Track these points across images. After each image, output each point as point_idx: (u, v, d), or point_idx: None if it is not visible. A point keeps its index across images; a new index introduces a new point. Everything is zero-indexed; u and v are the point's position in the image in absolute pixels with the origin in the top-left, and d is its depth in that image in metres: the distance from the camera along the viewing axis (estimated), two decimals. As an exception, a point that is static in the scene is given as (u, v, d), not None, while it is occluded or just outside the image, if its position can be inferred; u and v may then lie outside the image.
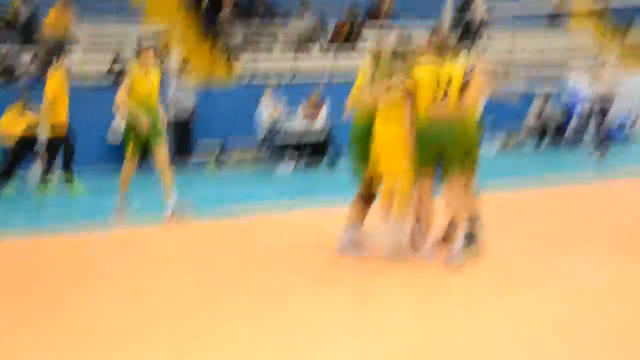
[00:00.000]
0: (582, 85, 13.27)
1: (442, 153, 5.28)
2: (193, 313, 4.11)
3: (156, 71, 7.18)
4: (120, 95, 6.85)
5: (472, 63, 5.50)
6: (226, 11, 13.51)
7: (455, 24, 13.65)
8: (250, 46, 13.51)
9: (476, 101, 5.48)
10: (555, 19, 16.08)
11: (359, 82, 5.66)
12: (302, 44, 13.64)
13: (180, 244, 6.22)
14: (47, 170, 9.11)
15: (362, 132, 5.57)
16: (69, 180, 8.94)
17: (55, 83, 8.86)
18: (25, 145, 9.30)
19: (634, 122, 14.42)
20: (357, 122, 5.68)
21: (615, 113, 13.01)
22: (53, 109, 8.85)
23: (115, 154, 10.08)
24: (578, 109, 13.38)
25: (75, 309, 4.22)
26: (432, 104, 5.27)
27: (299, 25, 13.90)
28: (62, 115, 8.97)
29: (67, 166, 9.11)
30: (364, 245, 5.64)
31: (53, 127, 8.91)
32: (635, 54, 16.06)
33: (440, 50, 5.37)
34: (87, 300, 4.37)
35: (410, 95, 5.32)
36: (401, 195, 5.45)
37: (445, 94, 5.26)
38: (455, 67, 5.35)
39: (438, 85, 5.27)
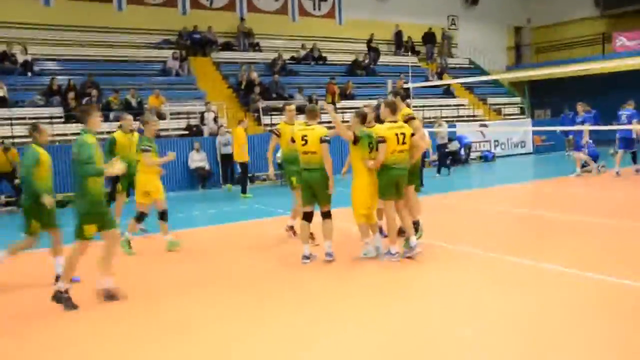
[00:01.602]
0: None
1: (397, 183, 5.96)
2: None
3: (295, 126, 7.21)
4: (269, 152, 7.77)
5: (411, 120, 6.05)
6: (255, 93, 17.16)
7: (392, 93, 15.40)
8: (269, 112, 16.74)
9: (421, 144, 6.15)
10: (447, 91, 21.71)
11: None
12: (298, 111, 14.86)
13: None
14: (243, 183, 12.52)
15: (306, 183, 6.18)
16: (244, 190, 12.69)
17: (240, 136, 12.34)
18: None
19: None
20: (304, 176, 6.16)
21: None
22: (241, 150, 12.35)
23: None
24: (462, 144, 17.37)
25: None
26: (394, 152, 5.74)
27: (297, 101, 16.76)
28: (245, 154, 12.46)
29: (244, 182, 12.87)
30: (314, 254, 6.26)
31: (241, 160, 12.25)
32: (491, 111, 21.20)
33: (394, 112, 5.84)
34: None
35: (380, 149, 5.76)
36: (382, 215, 6.23)
37: (403, 142, 5.75)
38: (405, 126, 5.82)
39: (397, 138, 5.72)
